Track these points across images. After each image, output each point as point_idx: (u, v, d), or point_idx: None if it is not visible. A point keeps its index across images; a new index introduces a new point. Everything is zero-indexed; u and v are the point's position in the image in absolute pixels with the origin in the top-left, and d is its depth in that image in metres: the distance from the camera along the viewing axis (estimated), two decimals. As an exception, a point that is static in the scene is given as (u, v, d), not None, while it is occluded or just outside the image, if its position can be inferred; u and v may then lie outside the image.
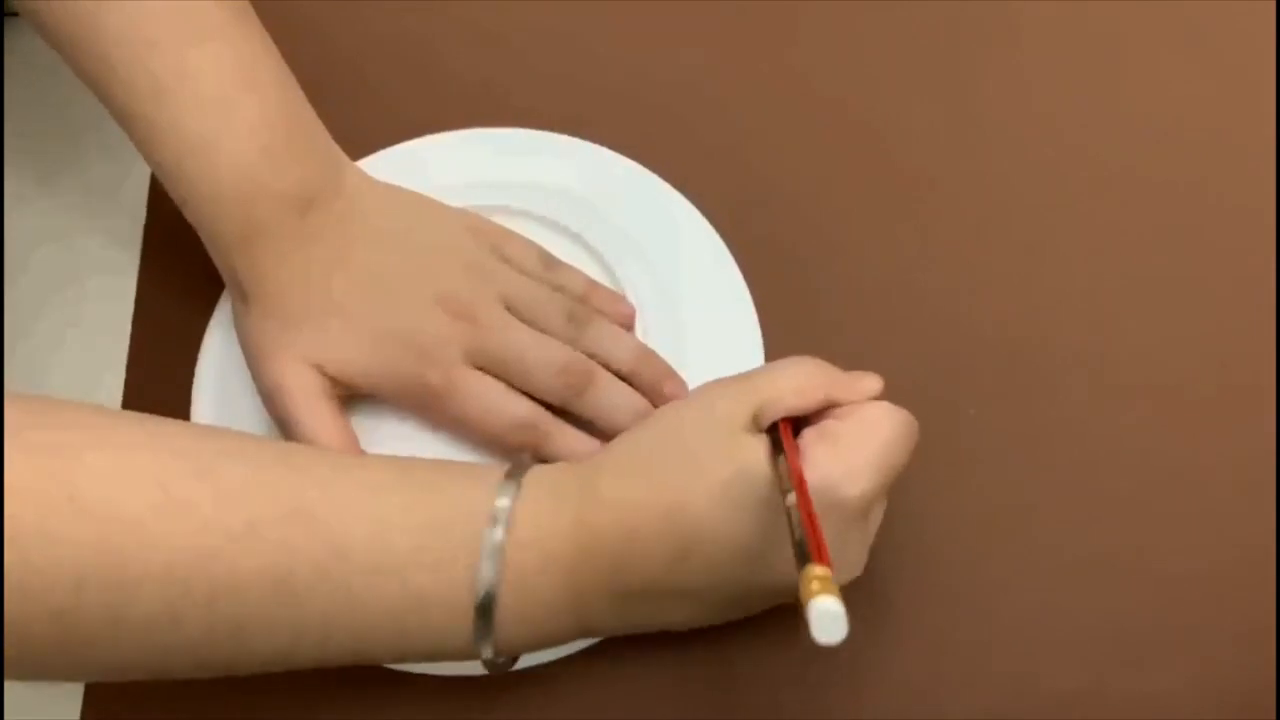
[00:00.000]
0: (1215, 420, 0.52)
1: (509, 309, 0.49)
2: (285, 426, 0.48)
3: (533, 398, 0.49)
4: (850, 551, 0.44)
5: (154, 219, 0.57)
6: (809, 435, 0.44)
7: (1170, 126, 0.58)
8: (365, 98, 0.59)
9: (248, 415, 0.52)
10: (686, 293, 0.54)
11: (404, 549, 0.41)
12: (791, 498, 0.39)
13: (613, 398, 0.49)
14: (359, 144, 0.54)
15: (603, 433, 0.49)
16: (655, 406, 0.50)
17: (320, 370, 0.48)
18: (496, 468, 0.44)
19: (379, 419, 0.50)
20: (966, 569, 0.50)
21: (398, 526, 0.41)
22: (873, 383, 0.46)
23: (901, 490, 0.51)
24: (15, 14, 0.57)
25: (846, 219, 0.56)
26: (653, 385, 0.50)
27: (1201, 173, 0.56)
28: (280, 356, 0.48)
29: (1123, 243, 0.55)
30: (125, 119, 0.48)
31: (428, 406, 0.49)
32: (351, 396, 0.49)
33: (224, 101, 0.47)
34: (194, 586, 0.38)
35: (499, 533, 0.41)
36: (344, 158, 0.51)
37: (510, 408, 0.48)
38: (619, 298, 0.52)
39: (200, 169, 0.47)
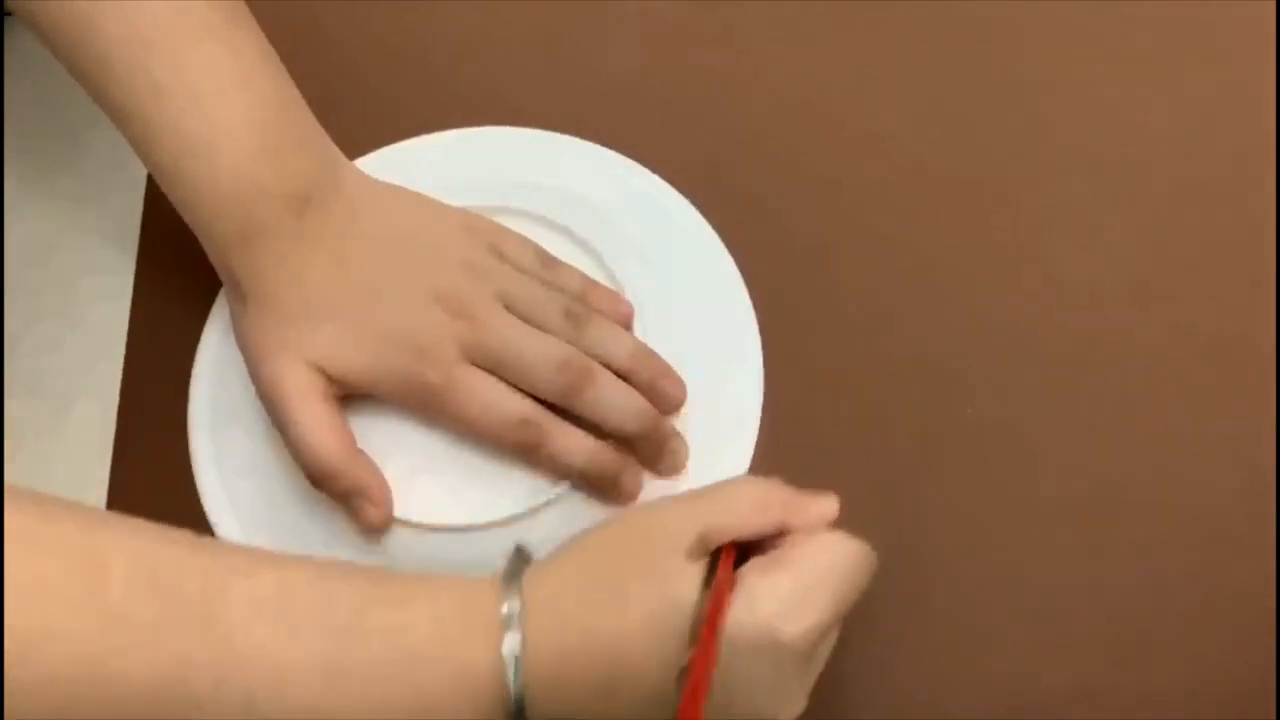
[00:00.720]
0: (1215, 419, 0.52)
1: (507, 307, 0.49)
2: (283, 427, 0.48)
3: (533, 397, 0.49)
4: (786, 694, 0.41)
5: (150, 219, 0.57)
6: (755, 565, 0.41)
7: (1170, 126, 0.57)
8: (363, 97, 0.59)
9: (244, 416, 0.52)
10: (684, 292, 0.54)
11: (315, 655, 0.38)
12: (689, 655, 0.37)
13: (612, 396, 0.49)
14: (357, 143, 0.54)
15: (602, 431, 0.49)
16: (654, 404, 0.50)
17: (319, 370, 0.48)
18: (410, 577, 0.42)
19: (378, 419, 0.50)
20: (965, 568, 0.50)
21: (307, 631, 0.39)
22: (829, 506, 0.44)
23: (900, 489, 0.51)
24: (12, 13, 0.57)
25: (844, 217, 0.56)
26: (651, 384, 0.50)
27: (1202, 172, 0.56)
28: (278, 357, 0.48)
29: (1122, 242, 0.55)
30: (122, 119, 0.48)
31: (427, 405, 0.49)
32: (350, 396, 0.49)
33: (222, 102, 0.47)
34: (83, 693, 0.36)
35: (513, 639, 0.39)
36: (341, 157, 0.51)
37: (510, 406, 0.48)
38: (617, 296, 0.52)
39: (198, 169, 0.47)
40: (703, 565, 0.41)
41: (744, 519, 0.42)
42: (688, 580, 0.40)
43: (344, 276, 0.48)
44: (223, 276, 0.49)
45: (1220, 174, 0.56)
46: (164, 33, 0.47)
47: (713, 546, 0.41)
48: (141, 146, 0.48)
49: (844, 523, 0.50)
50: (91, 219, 0.58)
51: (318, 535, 0.50)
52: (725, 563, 0.41)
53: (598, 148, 0.57)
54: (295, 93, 0.50)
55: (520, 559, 0.42)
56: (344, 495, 0.48)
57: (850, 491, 0.51)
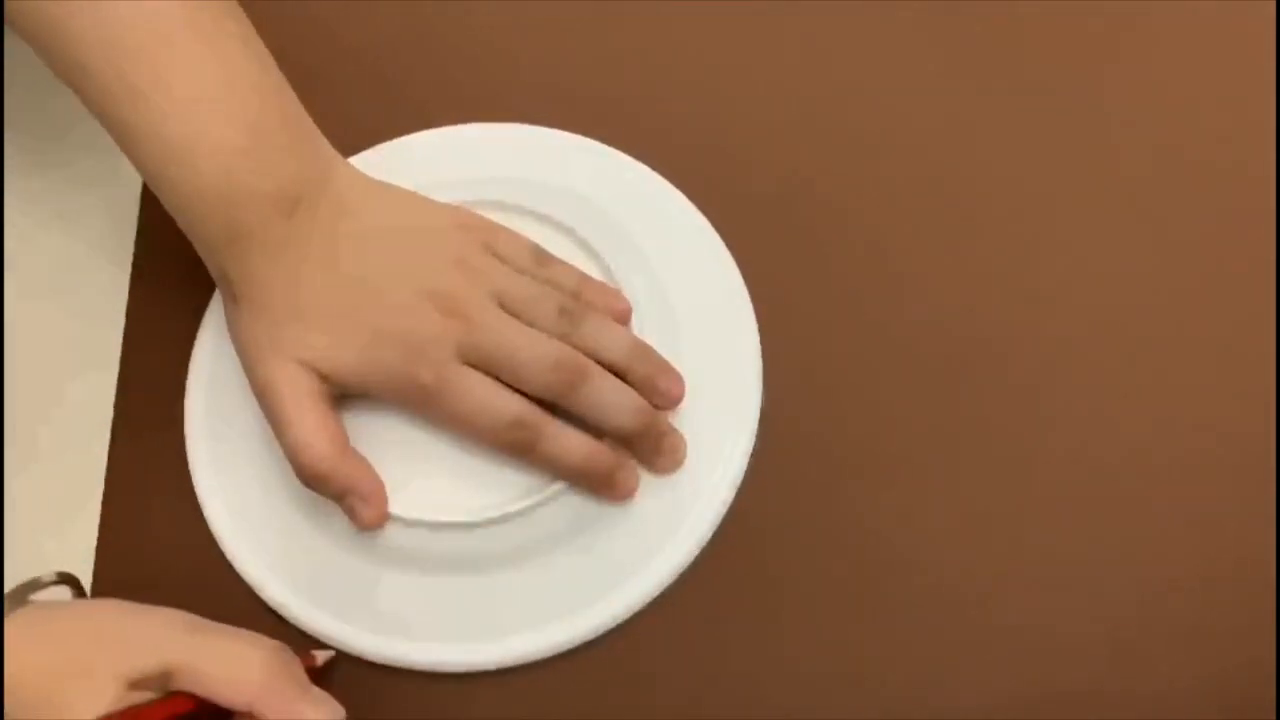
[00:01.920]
0: (1215, 418, 0.51)
1: (501, 305, 0.49)
2: (276, 429, 0.48)
3: (528, 395, 0.48)
4: None
5: (147, 214, 0.57)
6: None
7: (1170, 126, 0.57)
8: (360, 92, 0.58)
9: (241, 414, 0.52)
10: (683, 289, 0.53)
11: None
12: None
13: (606, 394, 0.48)
14: (357, 138, 0.54)
15: (597, 429, 0.49)
16: (651, 401, 0.49)
17: (312, 370, 0.48)
18: None
19: (375, 415, 0.50)
20: (965, 568, 0.50)
21: None
22: (317, 715, 0.43)
23: (898, 485, 0.51)
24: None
25: (844, 216, 0.56)
26: (648, 380, 0.50)
27: (1201, 172, 0.56)
28: (271, 358, 0.48)
29: (1122, 241, 0.55)
30: (105, 123, 0.48)
31: (420, 406, 0.49)
32: (346, 396, 0.49)
33: (202, 104, 0.47)
34: None
35: None
36: (332, 153, 0.50)
37: (502, 406, 0.48)
38: (614, 292, 0.52)
39: (181, 173, 0.46)
40: (136, 697, 0.40)
41: (214, 681, 0.41)
42: (91, 703, 0.40)
43: (335, 276, 0.48)
44: (215, 276, 0.49)
45: (1220, 174, 0.56)
46: (141, 35, 0.46)
47: (172, 687, 0.41)
48: (126, 150, 0.47)
49: (843, 516, 0.50)
50: (86, 216, 0.58)
51: (315, 533, 0.50)
52: (134, 712, 0.40)
53: (598, 144, 0.57)
54: (287, 92, 0.49)
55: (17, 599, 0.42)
56: (337, 496, 0.48)
57: (849, 484, 0.51)
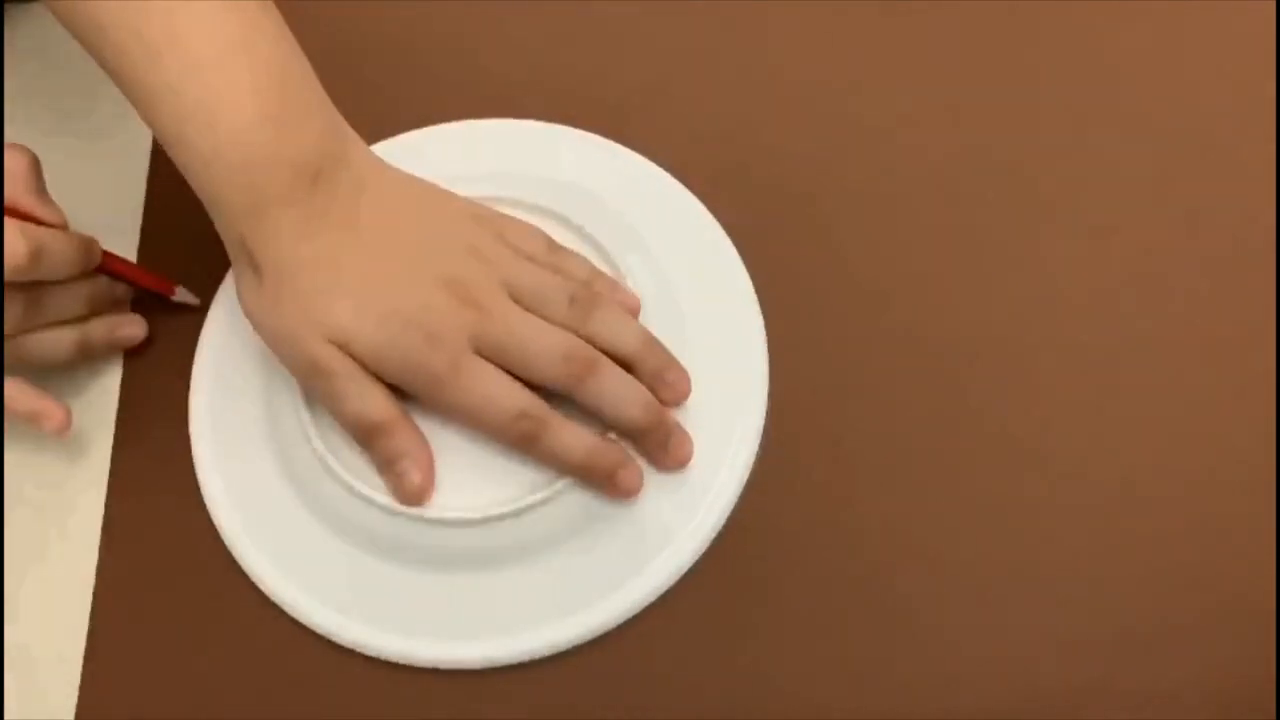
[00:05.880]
0: (1216, 418, 0.52)
1: (512, 296, 0.49)
2: (333, 399, 0.47)
3: (536, 387, 0.48)
4: None
5: (153, 203, 0.57)
6: None
7: (1171, 125, 0.58)
8: (370, 88, 0.59)
9: (246, 408, 0.52)
10: (690, 286, 0.53)
11: None
12: None
13: (615, 387, 0.48)
14: (363, 134, 0.54)
15: (604, 422, 0.49)
16: (659, 395, 0.49)
17: (340, 348, 0.47)
18: None
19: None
20: (967, 568, 0.50)
21: None
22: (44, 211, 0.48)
23: (901, 487, 0.51)
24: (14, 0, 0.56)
25: (851, 212, 0.56)
26: (657, 373, 0.50)
27: (1202, 173, 0.57)
28: (307, 336, 0.47)
29: (1124, 241, 0.55)
30: (123, 85, 0.47)
31: (430, 392, 0.48)
32: None
33: (219, 64, 0.46)
34: None
35: None
36: (348, 129, 0.50)
37: (509, 399, 0.48)
38: (623, 288, 0.52)
39: (199, 134, 0.45)
40: None
41: None
42: None
43: (354, 253, 0.47)
44: (231, 246, 0.48)
45: (1220, 174, 0.56)
46: None
47: None
48: (143, 112, 0.46)
49: (848, 515, 0.50)
50: (92, 202, 0.57)
51: (319, 528, 0.50)
52: None
53: (603, 140, 0.57)
54: (303, 60, 0.48)
55: None
56: (394, 455, 0.48)
57: (855, 483, 0.51)
